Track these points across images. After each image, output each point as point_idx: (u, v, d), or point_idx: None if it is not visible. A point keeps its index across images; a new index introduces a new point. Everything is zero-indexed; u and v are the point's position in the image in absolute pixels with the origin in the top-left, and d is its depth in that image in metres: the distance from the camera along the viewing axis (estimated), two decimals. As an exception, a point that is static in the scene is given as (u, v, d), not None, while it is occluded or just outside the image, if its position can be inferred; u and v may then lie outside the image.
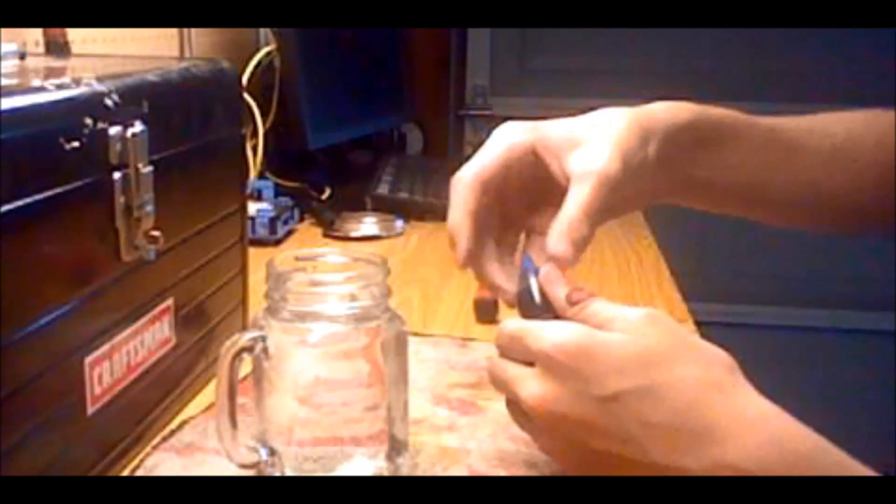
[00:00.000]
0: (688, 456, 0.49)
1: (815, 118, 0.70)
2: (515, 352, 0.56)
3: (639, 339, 0.51)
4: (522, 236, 0.67)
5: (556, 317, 0.57)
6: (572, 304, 0.55)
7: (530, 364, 0.55)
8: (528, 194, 0.63)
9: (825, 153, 0.69)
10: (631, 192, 0.61)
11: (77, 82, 0.59)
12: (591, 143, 0.60)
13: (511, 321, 0.58)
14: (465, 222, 0.61)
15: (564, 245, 0.58)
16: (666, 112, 0.63)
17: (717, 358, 0.51)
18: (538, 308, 0.58)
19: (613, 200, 0.59)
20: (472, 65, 2.50)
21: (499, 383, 0.58)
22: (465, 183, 0.61)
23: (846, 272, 2.29)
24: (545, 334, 0.53)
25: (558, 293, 0.57)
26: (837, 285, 2.31)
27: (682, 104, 0.64)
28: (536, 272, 0.60)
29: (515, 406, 0.57)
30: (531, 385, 0.53)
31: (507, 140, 0.62)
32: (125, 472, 0.65)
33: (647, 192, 0.65)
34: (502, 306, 1.00)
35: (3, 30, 0.85)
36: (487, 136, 0.64)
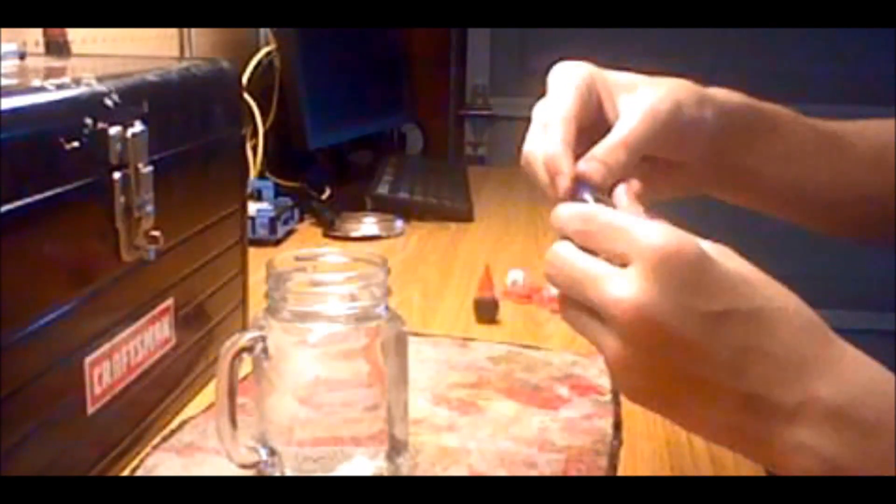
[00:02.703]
0: (781, 387, 0.47)
1: (857, 122, 0.70)
2: (605, 243, 0.49)
3: (735, 263, 0.48)
4: None
5: None
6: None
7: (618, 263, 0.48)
8: (581, 136, 0.58)
9: (870, 155, 0.68)
10: (682, 152, 0.60)
11: (77, 82, 0.59)
12: (646, 88, 0.59)
13: (597, 207, 0.51)
14: (567, 153, 0.55)
15: (594, 165, 0.54)
16: (721, 91, 0.62)
17: (801, 301, 0.49)
18: None
19: (661, 143, 0.57)
20: (472, 65, 2.50)
21: (568, 279, 0.50)
22: (559, 115, 0.56)
23: (846, 272, 2.29)
24: (655, 232, 0.47)
25: (638, 209, 0.52)
26: (837, 285, 2.31)
27: (734, 91, 0.63)
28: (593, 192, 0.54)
29: (583, 309, 0.50)
30: (626, 286, 0.46)
31: (573, 75, 0.59)
32: (125, 472, 0.65)
33: (699, 169, 0.63)
34: (502, 306, 1.01)
35: (3, 30, 0.85)
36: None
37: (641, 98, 0.58)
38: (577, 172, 0.54)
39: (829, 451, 0.46)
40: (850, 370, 0.47)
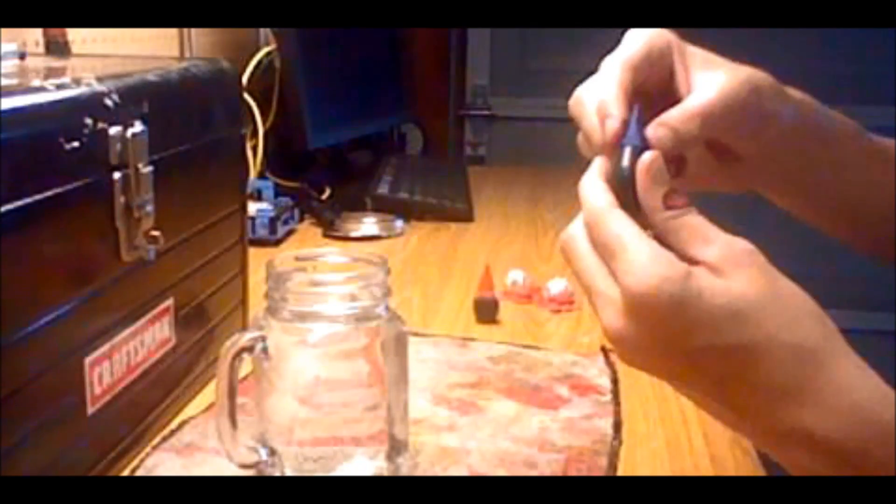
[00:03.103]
0: (766, 414, 0.47)
1: None
2: (603, 253, 0.49)
3: (733, 284, 0.47)
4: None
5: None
6: (668, 208, 0.49)
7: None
8: (645, 100, 0.56)
9: None
10: (750, 143, 0.57)
11: (77, 82, 0.59)
12: (726, 69, 0.56)
13: (610, 213, 0.49)
14: (620, 97, 0.53)
15: (664, 131, 0.52)
16: (797, 92, 0.60)
17: (809, 311, 0.48)
18: (627, 184, 0.50)
19: (733, 127, 0.55)
20: (472, 65, 2.50)
21: (576, 269, 0.51)
22: (618, 62, 0.54)
23: (846, 272, 2.29)
24: (637, 270, 0.47)
25: (655, 191, 0.50)
26: (837, 285, 2.30)
27: (806, 94, 0.62)
28: (635, 149, 0.52)
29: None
30: (614, 317, 0.48)
31: (647, 34, 0.56)
32: (125, 472, 0.65)
33: (758, 166, 0.60)
34: (502, 306, 1.01)
35: (3, 30, 0.85)
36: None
37: (721, 75, 0.55)
38: (647, 135, 0.52)
39: (818, 470, 0.47)
40: (834, 399, 0.47)
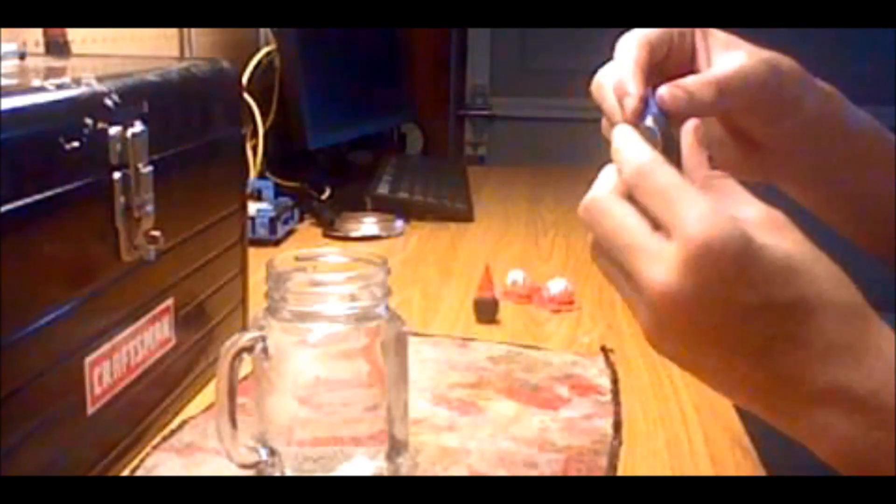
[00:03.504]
0: (812, 373, 0.46)
1: None
2: (653, 206, 0.47)
3: (782, 242, 0.46)
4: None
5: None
6: (713, 167, 0.48)
7: (658, 227, 0.46)
8: (667, 82, 0.55)
9: None
10: (771, 129, 0.57)
11: (77, 82, 0.59)
12: (748, 52, 0.56)
13: (658, 165, 0.47)
14: (637, 74, 0.52)
15: (678, 92, 0.51)
16: (825, 83, 0.60)
17: (847, 279, 0.48)
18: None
19: (752, 107, 0.55)
20: (472, 65, 2.50)
21: (607, 233, 0.48)
22: (634, 39, 0.54)
23: (846, 272, 2.29)
24: (702, 218, 0.44)
25: (701, 151, 0.49)
26: (837, 285, 2.31)
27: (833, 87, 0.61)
28: (657, 121, 0.51)
29: (617, 265, 0.48)
30: (662, 271, 0.45)
31: None
32: (125, 472, 0.65)
33: (781, 156, 0.60)
34: (502, 306, 1.01)
35: (3, 30, 0.85)
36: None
37: (742, 54, 0.55)
38: (659, 96, 0.51)
39: (852, 433, 0.46)
40: (877, 357, 0.46)
